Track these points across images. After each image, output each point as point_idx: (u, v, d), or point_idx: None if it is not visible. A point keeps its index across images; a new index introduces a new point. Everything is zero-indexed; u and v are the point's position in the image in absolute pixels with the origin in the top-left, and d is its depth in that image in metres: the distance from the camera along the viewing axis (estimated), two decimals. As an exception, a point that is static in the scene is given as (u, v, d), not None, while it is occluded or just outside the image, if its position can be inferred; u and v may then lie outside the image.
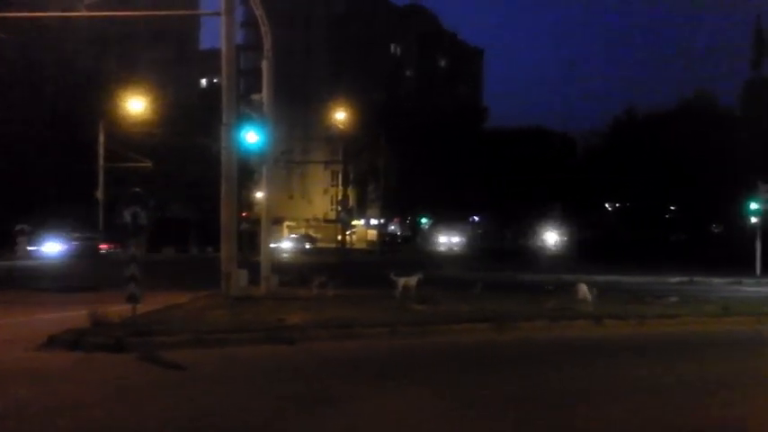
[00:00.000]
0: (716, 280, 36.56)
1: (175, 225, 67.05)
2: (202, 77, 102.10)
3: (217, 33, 22.10)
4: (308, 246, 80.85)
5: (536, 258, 64.51)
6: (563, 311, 18.62)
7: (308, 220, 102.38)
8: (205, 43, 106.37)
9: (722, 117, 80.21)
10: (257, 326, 15.22)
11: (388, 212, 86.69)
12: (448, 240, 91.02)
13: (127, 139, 58.65)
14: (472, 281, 25.73)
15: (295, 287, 23.53)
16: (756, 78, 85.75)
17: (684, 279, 36.38)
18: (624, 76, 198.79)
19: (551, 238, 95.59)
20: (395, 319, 16.51)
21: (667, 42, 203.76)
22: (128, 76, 70.02)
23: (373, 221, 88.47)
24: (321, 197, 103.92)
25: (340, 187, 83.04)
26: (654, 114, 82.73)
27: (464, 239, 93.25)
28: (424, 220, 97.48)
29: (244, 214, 57.82)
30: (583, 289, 20.06)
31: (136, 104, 59.87)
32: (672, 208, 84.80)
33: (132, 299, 14.73)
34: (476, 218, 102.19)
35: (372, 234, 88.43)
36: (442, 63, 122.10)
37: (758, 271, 40.96)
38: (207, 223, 55.95)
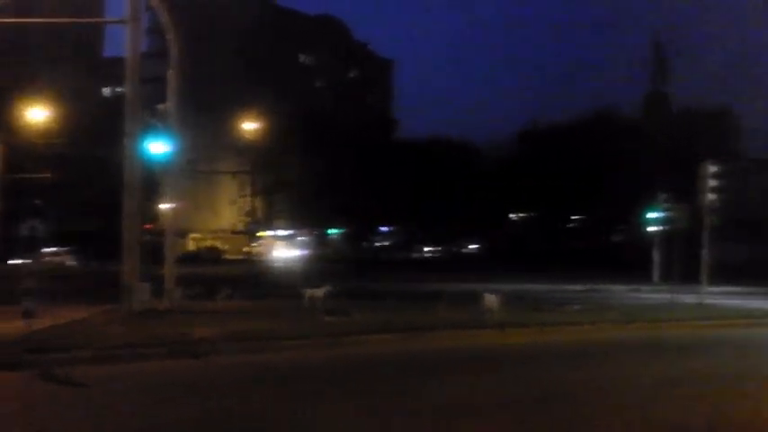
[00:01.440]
0: (616, 287, 37.67)
1: (77, 237, 65.07)
2: (106, 86, 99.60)
3: (122, 41, 21.53)
4: (213, 258, 79.44)
5: (445, 268, 65.10)
6: (470, 321, 18.82)
7: (215, 232, 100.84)
8: (109, 51, 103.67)
9: (624, 129, 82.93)
10: (160, 340, 14.85)
11: (297, 223, 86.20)
12: (286, 253, 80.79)
13: (27, 150, 56.66)
14: (383, 292, 25.84)
15: (200, 300, 23.13)
16: (656, 92, 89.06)
17: (587, 287, 37.36)
18: (533, 88, 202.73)
19: (458, 247, 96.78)
20: (303, 332, 16.40)
21: (576, 54, 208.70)
22: (28, 84, 67.72)
23: (282, 232, 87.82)
24: (229, 208, 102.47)
25: (248, 198, 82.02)
26: (558, 126, 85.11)
27: (308, 251, 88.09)
28: (333, 231, 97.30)
29: (148, 226, 56.56)
30: (489, 298, 20.32)
31: (36, 114, 57.87)
32: (576, 217, 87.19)
33: (28, 314, 14.19)
34: (385, 228, 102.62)
35: (304, 244, 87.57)
36: (353, 74, 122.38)
37: (656, 278, 42.58)
38: (109, 235, 54.50)
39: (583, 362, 14.56)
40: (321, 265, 65.66)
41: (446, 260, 77.61)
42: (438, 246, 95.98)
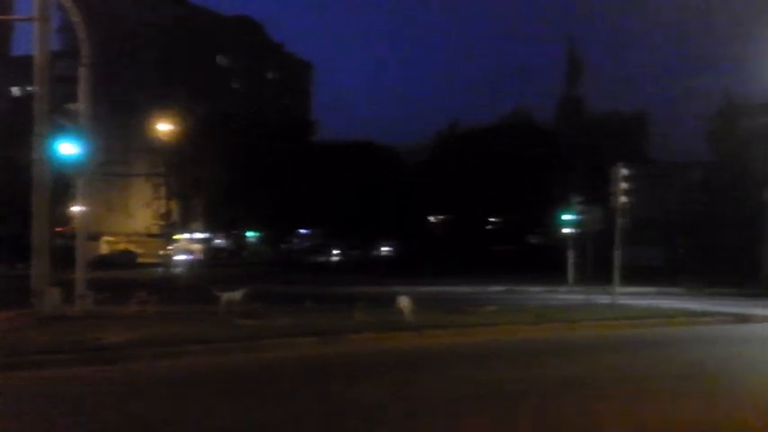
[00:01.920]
0: (532, 288, 38.41)
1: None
2: (16, 85, 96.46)
3: (33, 39, 20.88)
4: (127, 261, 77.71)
5: (362, 271, 65.17)
6: (388, 323, 18.82)
7: (129, 235, 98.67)
8: (18, 49, 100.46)
9: (540, 133, 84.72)
10: (71, 346, 14.43)
11: (213, 226, 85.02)
12: (201, 257, 76.53)
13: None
14: (301, 295, 25.69)
15: (113, 305, 22.55)
16: (570, 96, 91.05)
17: (504, 288, 38.00)
18: (454, 91, 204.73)
19: (376, 250, 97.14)
20: (219, 336, 16.16)
21: (493, 59, 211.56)
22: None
23: (198, 235, 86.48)
24: (143, 211, 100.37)
25: (163, 200, 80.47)
26: (477, 129, 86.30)
27: (225, 254, 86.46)
28: (250, 234, 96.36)
29: (59, 229, 55.02)
30: (405, 301, 20.39)
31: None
32: (494, 220, 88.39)
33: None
34: (304, 230, 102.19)
35: (198, 248, 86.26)
36: (271, 75, 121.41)
37: (570, 279, 43.49)
38: (18, 238, 52.78)
39: (495, 363, 14.71)
40: (238, 268, 65.04)
41: (360, 263, 77.76)
42: (354, 249, 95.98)
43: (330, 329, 17.39)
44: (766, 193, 47.27)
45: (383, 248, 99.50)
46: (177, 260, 65.33)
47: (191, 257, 76.22)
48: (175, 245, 73.33)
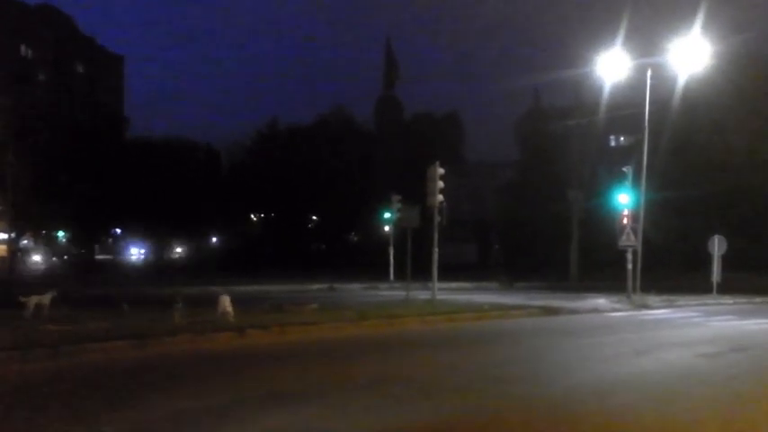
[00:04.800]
0: (354, 286, 38.83)
1: None
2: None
3: None
4: None
5: (178, 271, 63.58)
6: (207, 324, 18.37)
7: None
8: None
9: (359, 132, 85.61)
10: None
11: (19, 226, 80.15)
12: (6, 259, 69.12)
13: None
14: (115, 297, 24.67)
15: None
16: (388, 97, 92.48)
17: (325, 286, 38.18)
18: (273, 89, 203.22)
19: (192, 250, 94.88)
20: (25, 342, 15.06)
21: (318, 57, 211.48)
22: None
23: (2, 236, 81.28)
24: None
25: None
26: (297, 127, 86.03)
27: (33, 256, 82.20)
28: (61, 234, 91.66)
29: None
30: (225, 300, 20.00)
31: None
32: (314, 218, 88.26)
33: None
34: (118, 230, 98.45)
35: (2, 249, 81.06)
36: (80, 69, 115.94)
37: (392, 276, 44.33)
38: None
39: (311, 362, 14.50)
40: (46, 270, 61.77)
41: (167, 265, 75.88)
42: (165, 249, 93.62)
43: (145, 332, 16.72)
44: (571, 193, 50.70)
45: (177, 250, 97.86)
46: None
47: (19, 258, 71.63)
48: None
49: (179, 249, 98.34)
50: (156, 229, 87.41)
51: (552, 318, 24.59)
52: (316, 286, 38.29)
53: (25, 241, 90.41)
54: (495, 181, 78.53)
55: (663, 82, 34.63)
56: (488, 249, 76.84)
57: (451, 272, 33.03)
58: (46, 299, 19.96)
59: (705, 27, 32.13)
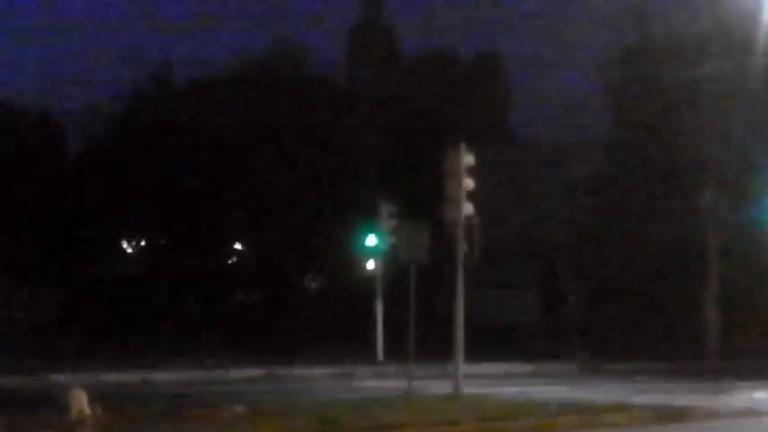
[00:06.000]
0: (314, 371, 25.92)
1: None
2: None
3: None
4: None
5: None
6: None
7: None
8: None
9: (320, 85, 41.57)
10: None
11: None
12: None
13: None
14: None
15: None
16: (371, 23, 52.60)
17: (261, 372, 25.01)
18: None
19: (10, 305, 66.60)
20: None
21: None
22: None
23: None
24: None
25: None
26: (204, 80, 35.70)
27: None
28: None
29: None
30: (80, 398, 13.64)
31: None
32: (238, 248, 51.43)
33: None
34: None
35: None
36: None
37: (380, 353, 28.71)
38: None
39: None
40: None
41: None
42: None
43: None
44: (707, 196, 34.37)
45: None
46: None
47: None
48: None
49: None
50: None
51: (677, 428, 16.34)
52: (245, 372, 25.38)
53: None
54: (566, 175, 42.28)
55: None
56: (557, 300, 42.88)
57: (491, 342, 22.39)
58: None
59: None
